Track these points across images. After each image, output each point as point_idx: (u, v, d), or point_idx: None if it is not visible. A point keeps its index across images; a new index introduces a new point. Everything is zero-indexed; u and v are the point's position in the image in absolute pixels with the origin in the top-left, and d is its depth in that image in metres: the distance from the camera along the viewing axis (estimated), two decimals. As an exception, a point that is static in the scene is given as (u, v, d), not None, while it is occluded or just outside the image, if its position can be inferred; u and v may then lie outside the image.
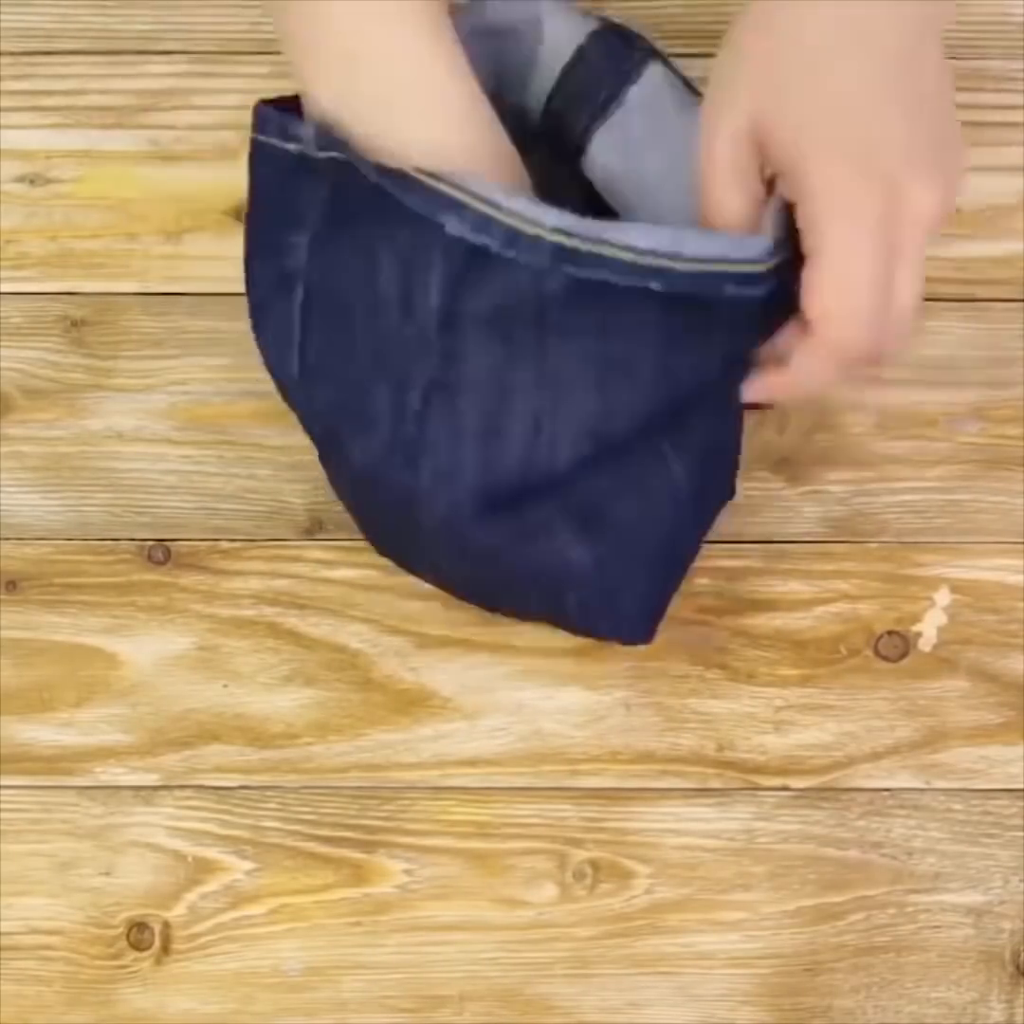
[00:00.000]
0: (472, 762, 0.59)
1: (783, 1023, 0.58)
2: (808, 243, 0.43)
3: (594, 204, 0.53)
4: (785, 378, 0.46)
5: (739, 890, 0.58)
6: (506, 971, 0.58)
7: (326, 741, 0.59)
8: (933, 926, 0.58)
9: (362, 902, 0.58)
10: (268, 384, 0.52)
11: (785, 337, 0.45)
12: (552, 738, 0.59)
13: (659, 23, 0.58)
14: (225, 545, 0.59)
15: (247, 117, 0.59)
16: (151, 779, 0.58)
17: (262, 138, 0.49)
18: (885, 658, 0.59)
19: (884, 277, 0.43)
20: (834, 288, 0.43)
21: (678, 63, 0.52)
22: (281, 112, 0.48)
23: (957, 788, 0.59)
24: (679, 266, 0.44)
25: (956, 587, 0.59)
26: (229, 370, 0.60)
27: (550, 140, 0.53)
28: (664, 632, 0.59)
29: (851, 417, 0.59)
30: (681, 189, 0.49)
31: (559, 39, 0.52)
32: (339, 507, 0.57)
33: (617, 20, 0.53)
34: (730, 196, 0.45)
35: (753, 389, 0.47)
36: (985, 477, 0.59)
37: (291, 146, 0.48)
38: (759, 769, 0.59)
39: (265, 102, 0.49)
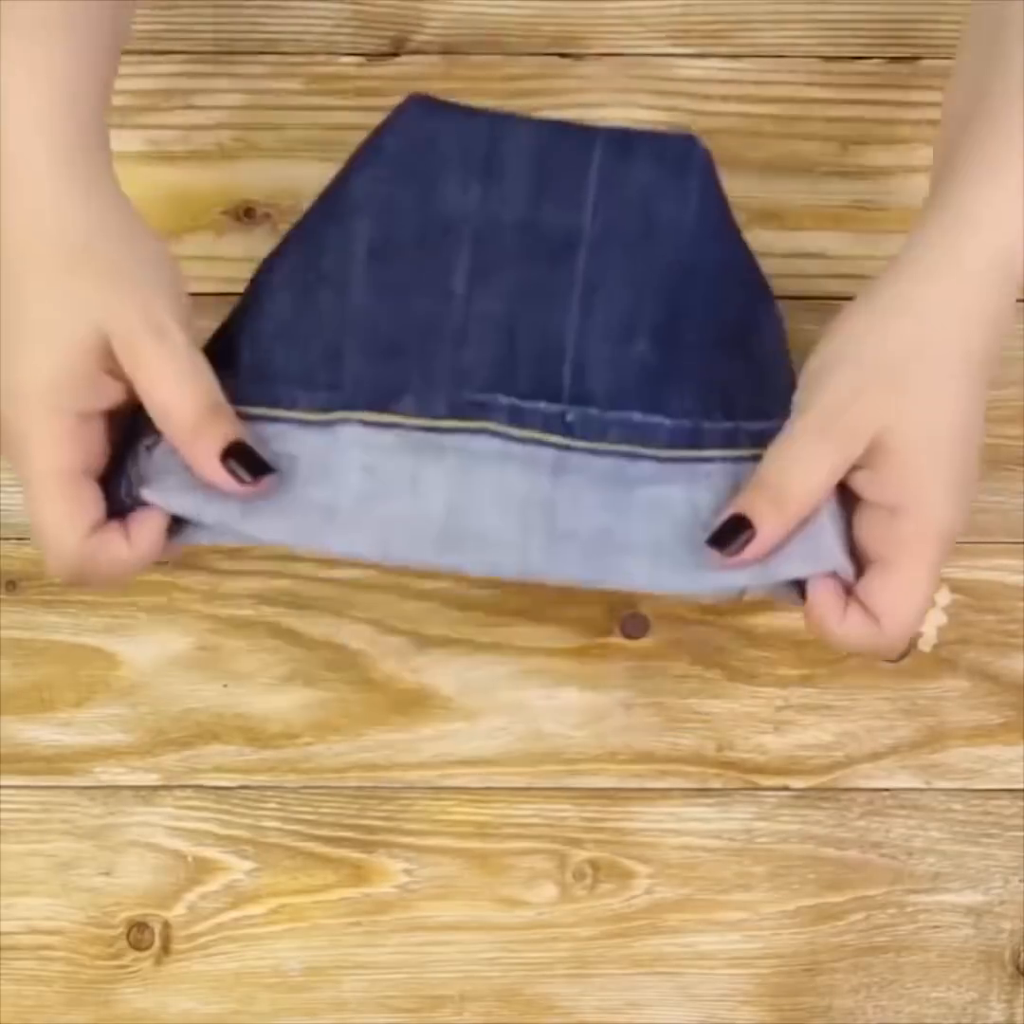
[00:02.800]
0: (472, 762, 0.59)
1: (783, 1023, 0.58)
2: (892, 552, 0.46)
3: None
4: (832, 616, 0.47)
5: (739, 890, 0.58)
6: (506, 971, 0.58)
7: (326, 741, 0.59)
8: (933, 926, 0.58)
9: (362, 902, 0.58)
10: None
11: (854, 612, 0.47)
12: (552, 738, 0.59)
13: (659, 23, 0.58)
14: (225, 545, 0.59)
15: (247, 117, 0.59)
16: (151, 779, 0.58)
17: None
18: (885, 658, 0.59)
19: None
20: (906, 596, 0.46)
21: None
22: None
23: (957, 788, 0.59)
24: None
25: (956, 587, 0.59)
26: (229, 370, 0.60)
27: None
28: (664, 632, 0.59)
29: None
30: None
31: None
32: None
33: None
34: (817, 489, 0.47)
35: (821, 588, 0.48)
36: (985, 477, 0.59)
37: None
38: (759, 769, 0.59)
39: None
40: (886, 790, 0.59)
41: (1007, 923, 0.58)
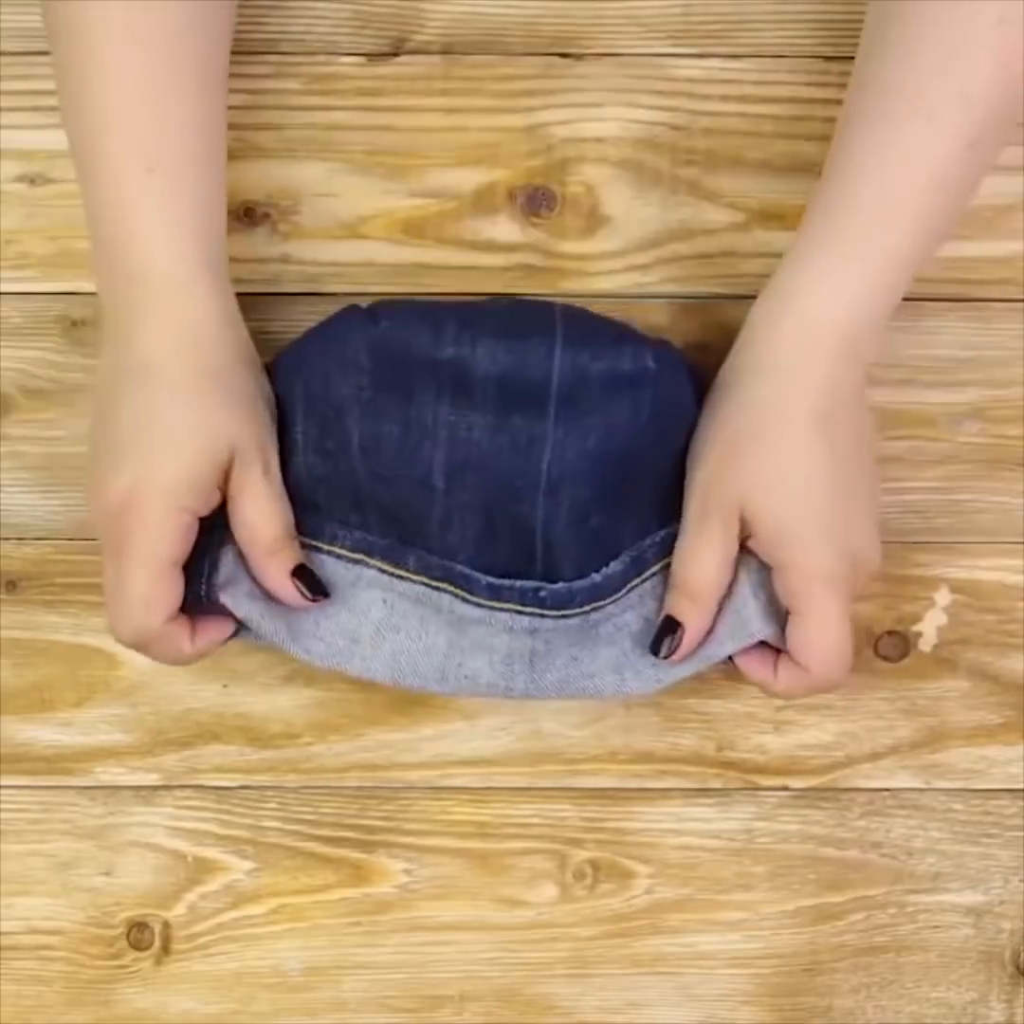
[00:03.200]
0: (472, 762, 0.59)
1: (783, 1023, 0.58)
2: (793, 603, 0.51)
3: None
4: (767, 678, 0.53)
5: (739, 890, 0.58)
6: (506, 971, 0.58)
7: (326, 741, 0.59)
8: (933, 926, 0.58)
9: (362, 902, 0.58)
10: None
11: (783, 669, 0.53)
12: (552, 738, 0.59)
13: (659, 23, 0.58)
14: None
15: (247, 117, 0.59)
16: (151, 779, 0.58)
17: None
18: (885, 658, 0.59)
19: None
20: (820, 640, 0.51)
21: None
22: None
23: (957, 788, 0.59)
24: None
25: (956, 587, 0.59)
26: (229, 370, 0.60)
27: None
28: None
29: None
30: None
31: None
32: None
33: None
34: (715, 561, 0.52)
35: (747, 659, 0.54)
36: (985, 477, 0.59)
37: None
38: (759, 769, 0.59)
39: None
40: (886, 790, 0.59)
41: (1007, 923, 0.58)
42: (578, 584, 0.54)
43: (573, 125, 0.58)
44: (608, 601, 0.54)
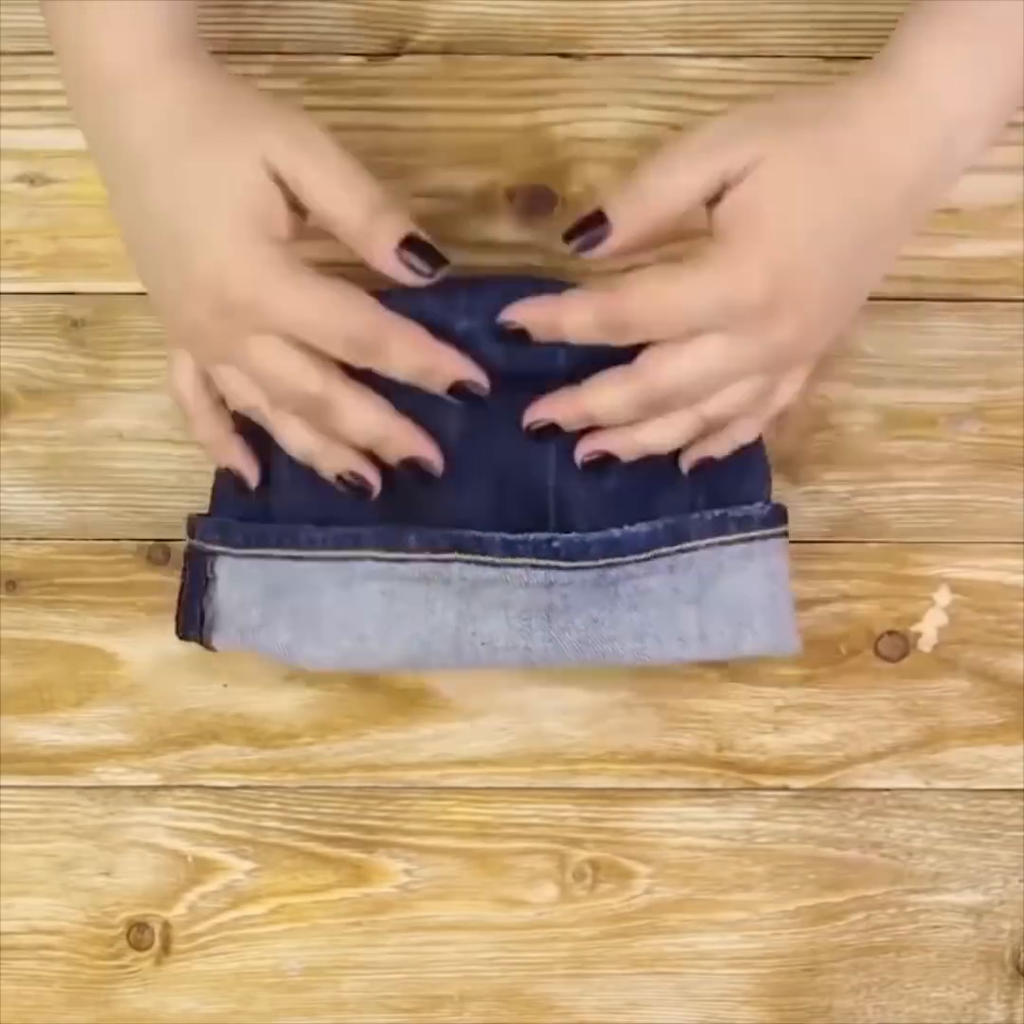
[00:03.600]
0: (472, 762, 0.59)
1: (783, 1023, 0.58)
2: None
3: None
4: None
5: (739, 890, 0.58)
6: (506, 971, 0.58)
7: (326, 741, 0.59)
8: (933, 926, 0.58)
9: (362, 902, 0.58)
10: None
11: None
12: (552, 738, 0.59)
13: (659, 23, 0.58)
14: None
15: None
16: (151, 779, 0.58)
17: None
18: (885, 658, 0.59)
19: (745, 354, 0.48)
20: (729, 283, 0.47)
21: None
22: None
23: (957, 788, 0.59)
24: None
25: (956, 587, 0.59)
26: (229, 370, 0.60)
27: None
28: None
29: (851, 417, 0.59)
30: None
31: None
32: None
33: None
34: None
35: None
36: (985, 477, 0.59)
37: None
38: (759, 769, 0.59)
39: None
40: (886, 790, 0.59)
41: (1007, 923, 0.58)
42: (593, 535, 0.53)
43: (574, 125, 0.58)
44: (628, 559, 0.54)
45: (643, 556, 0.54)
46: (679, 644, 0.53)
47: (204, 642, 0.55)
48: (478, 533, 0.53)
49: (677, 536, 0.54)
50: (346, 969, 0.58)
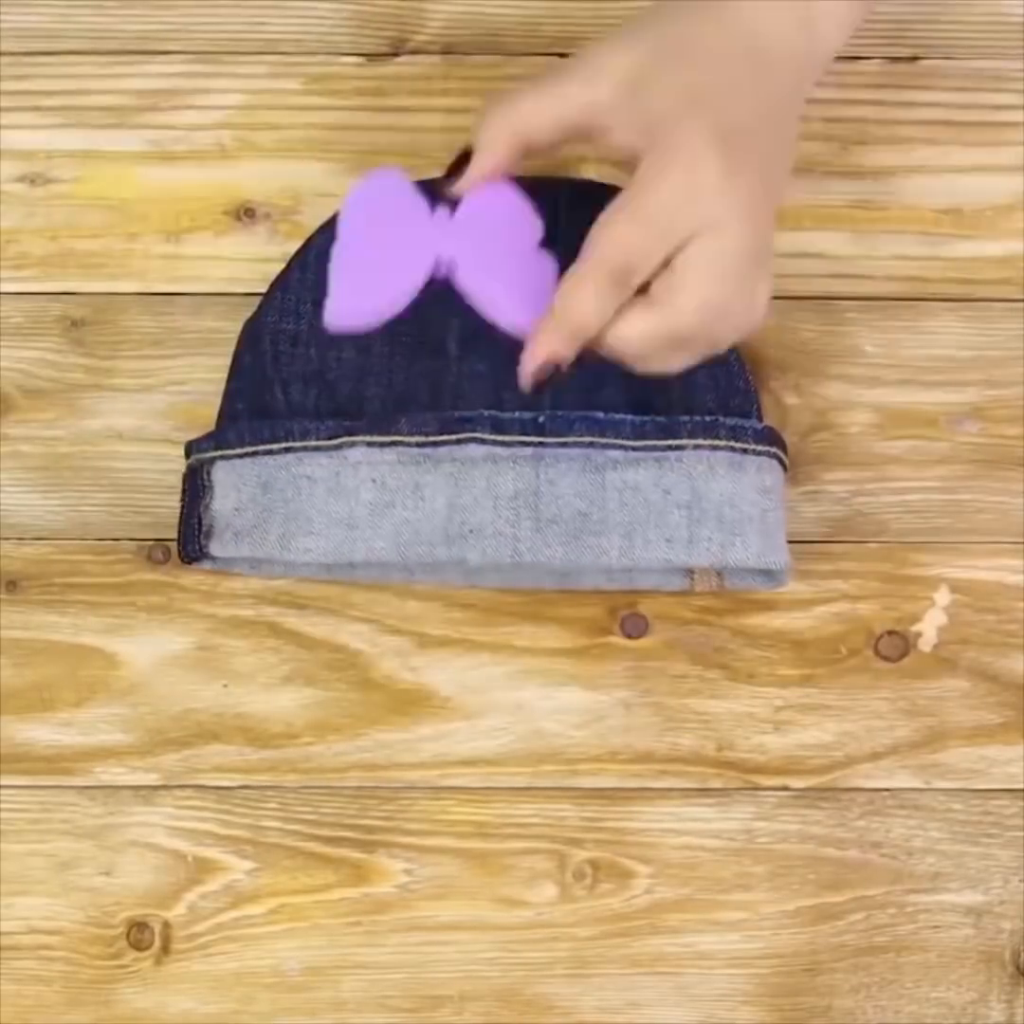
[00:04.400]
0: (472, 762, 0.59)
1: (783, 1023, 0.58)
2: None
3: None
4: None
5: (739, 890, 0.58)
6: (506, 971, 0.58)
7: (326, 741, 0.59)
8: (933, 926, 0.58)
9: (362, 902, 0.58)
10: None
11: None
12: (552, 738, 0.59)
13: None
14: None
15: (247, 117, 0.59)
16: (151, 779, 0.59)
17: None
18: (885, 658, 0.59)
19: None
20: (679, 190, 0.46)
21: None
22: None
23: (957, 788, 0.59)
24: None
25: (956, 587, 0.59)
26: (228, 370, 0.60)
27: None
28: (664, 632, 0.59)
29: (850, 417, 0.59)
30: None
31: None
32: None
33: None
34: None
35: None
36: (985, 477, 0.59)
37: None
38: (759, 769, 0.59)
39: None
40: (886, 790, 0.59)
41: (1007, 923, 0.58)
42: (577, 413, 0.55)
43: (573, 125, 0.58)
44: (613, 442, 0.55)
45: (630, 443, 0.55)
46: (667, 545, 0.54)
47: (202, 554, 0.56)
48: (466, 412, 0.55)
49: (666, 432, 0.55)
50: (346, 969, 0.58)
